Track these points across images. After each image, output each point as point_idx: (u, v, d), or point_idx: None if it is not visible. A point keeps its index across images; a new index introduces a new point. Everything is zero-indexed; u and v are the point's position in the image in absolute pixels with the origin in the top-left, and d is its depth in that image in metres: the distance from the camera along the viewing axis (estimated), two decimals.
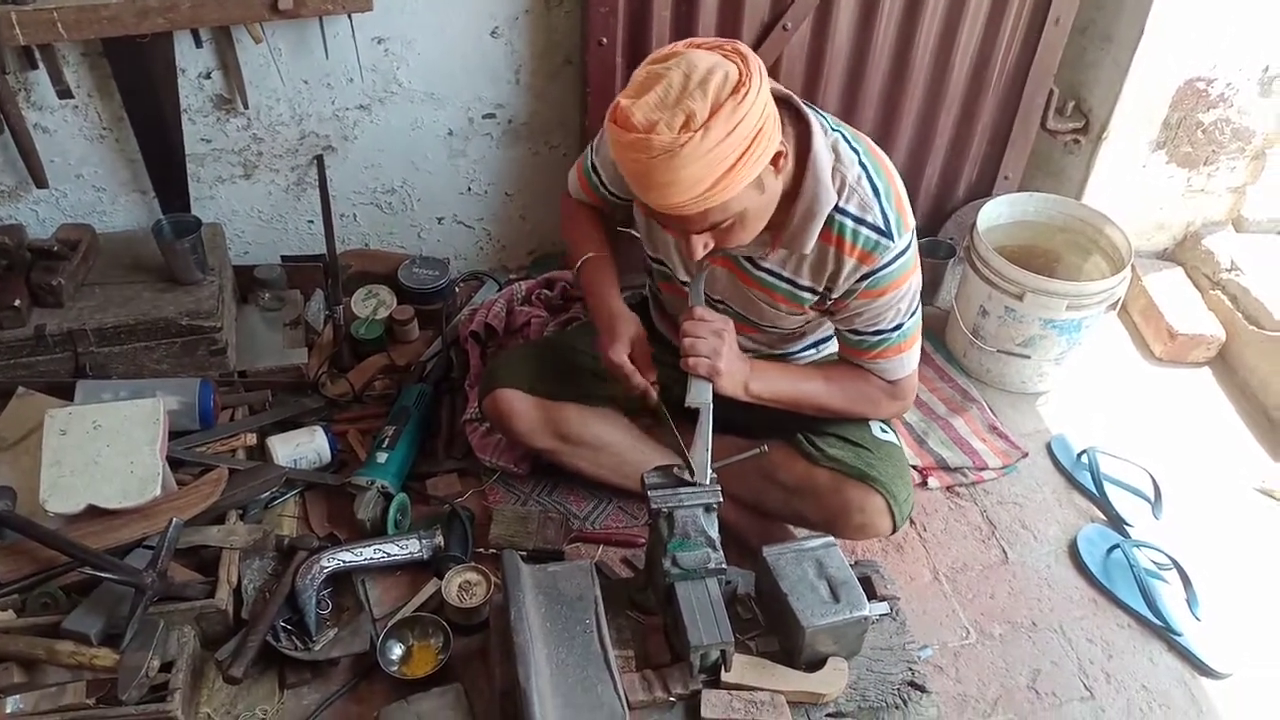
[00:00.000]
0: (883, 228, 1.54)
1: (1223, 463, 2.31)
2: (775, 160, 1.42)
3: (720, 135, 1.29)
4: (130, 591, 1.64)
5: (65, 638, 1.62)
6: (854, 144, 1.56)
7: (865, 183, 1.54)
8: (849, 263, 1.57)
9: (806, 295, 1.65)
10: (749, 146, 1.33)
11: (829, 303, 1.65)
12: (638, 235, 1.81)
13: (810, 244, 1.56)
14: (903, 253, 1.57)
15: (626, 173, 1.39)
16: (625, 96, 1.34)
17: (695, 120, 1.28)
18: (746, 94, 1.29)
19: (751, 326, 1.78)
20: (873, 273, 1.57)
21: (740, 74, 1.31)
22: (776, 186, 1.47)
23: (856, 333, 1.68)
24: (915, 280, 1.64)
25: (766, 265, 1.65)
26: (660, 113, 1.30)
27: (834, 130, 1.56)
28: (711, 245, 1.50)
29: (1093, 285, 2.25)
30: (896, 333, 1.66)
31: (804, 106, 1.52)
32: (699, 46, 1.37)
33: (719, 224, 1.44)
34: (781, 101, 1.51)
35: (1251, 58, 2.43)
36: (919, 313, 1.69)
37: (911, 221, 1.59)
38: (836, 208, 1.53)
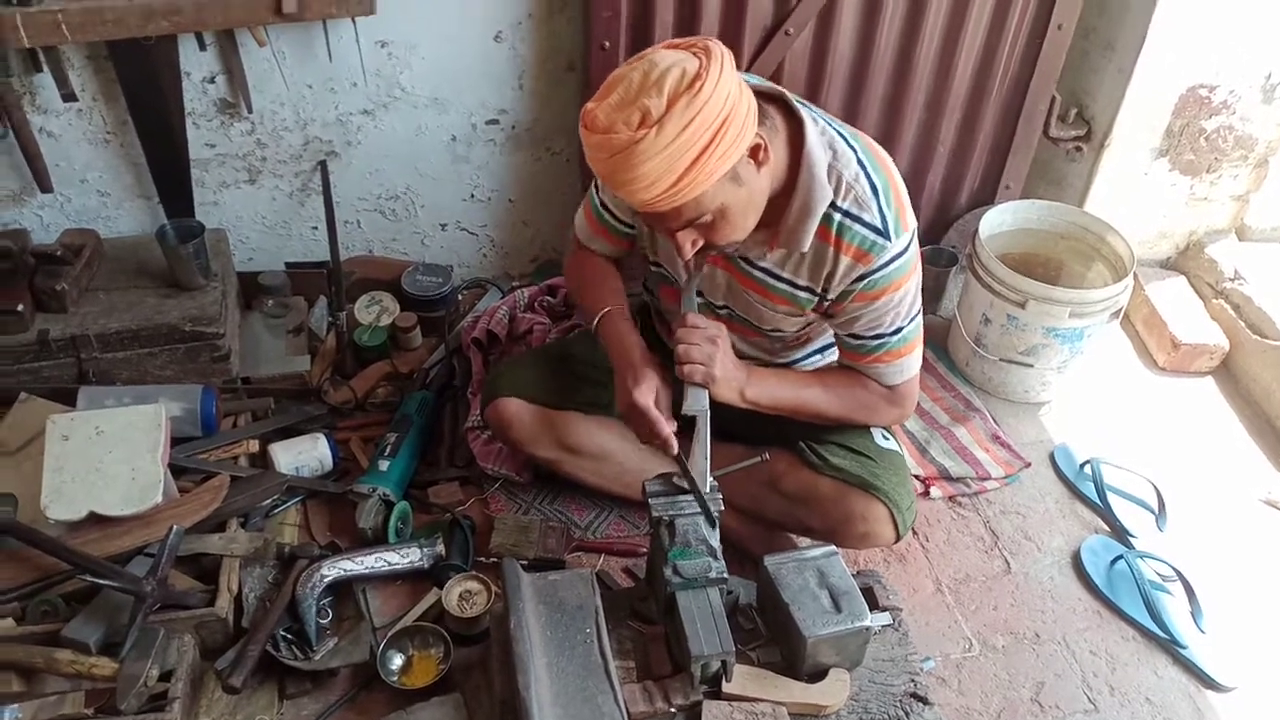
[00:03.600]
0: (879, 227, 1.53)
1: (1227, 473, 2.30)
2: (755, 154, 1.42)
3: (676, 129, 1.30)
4: (130, 600, 1.63)
5: (64, 646, 1.62)
6: (852, 141, 1.56)
7: (863, 180, 1.53)
8: (844, 261, 1.56)
9: (804, 296, 1.64)
10: (712, 139, 1.33)
11: (826, 304, 1.64)
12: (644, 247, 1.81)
13: (807, 242, 1.55)
14: (900, 254, 1.55)
15: (598, 173, 1.41)
16: (592, 100, 1.36)
17: (650, 116, 1.30)
18: (702, 87, 1.30)
19: (753, 331, 1.77)
20: (869, 274, 1.56)
21: (699, 67, 1.31)
22: (760, 181, 1.46)
23: (855, 336, 1.67)
24: (914, 284, 1.62)
25: (763, 265, 1.64)
26: (619, 112, 1.32)
27: (831, 128, 1.55)
28: (700, 243, 1.49)
29: (1095, 293, 2.24)
30: (895, 337, 1.65)
31: (797, 104, 1.52)
32: (673, 46, 1.38)
33: (696, 220, 1.44)
34: (772, 99, 1.51)
35: (1254, 65, 2.42)
36: (919, 318, 1.67)
37: (912, 222, 1.57)
38: (833, 205, 1.52)
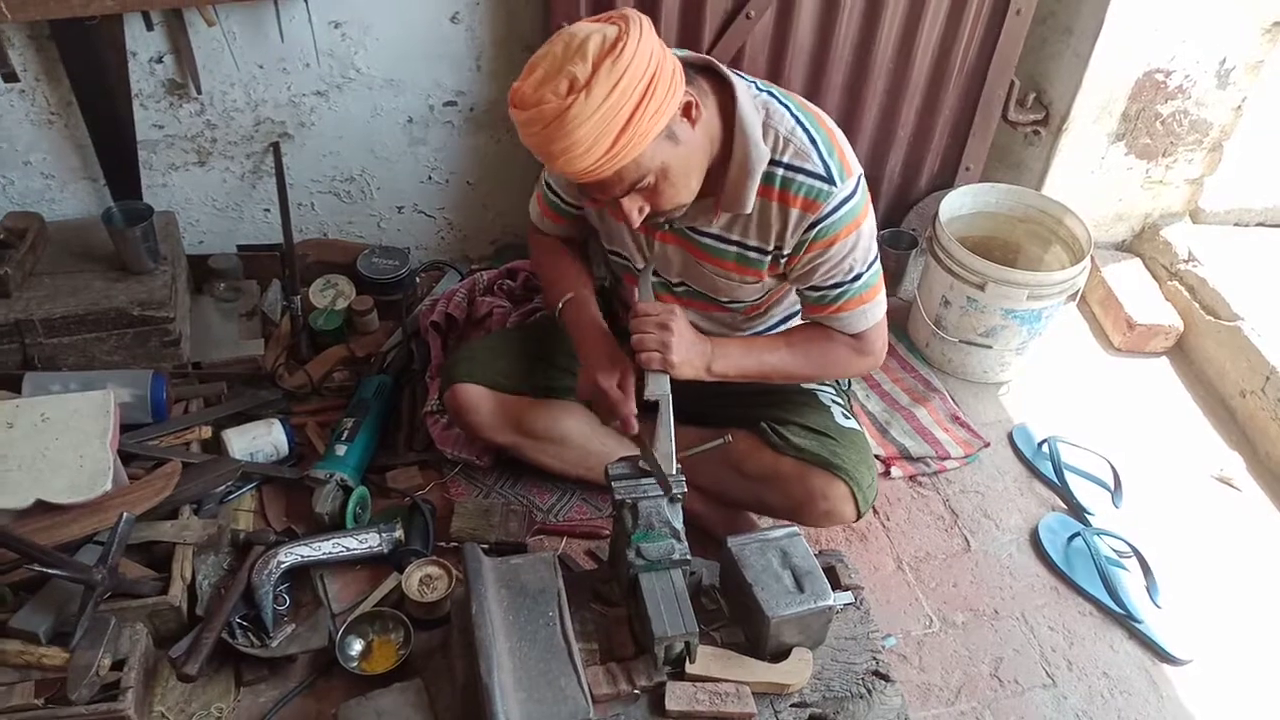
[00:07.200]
0: (823, 174, 1.54)
1: (1181, 451, 2.34)
2: (687, 111, 1.43)
3: (604, 91, 1.32)
4: (80, 589, 1.60)
5: (12, 636, 1.58)
6: (785, 101, 1.57)
7: (800, 133, 1.55)
8: (794, 214, 1.57)
9: (756, 256, 1.65)
10: (642, 98, 1.34)
11: (782, 261, 1.65)
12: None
13: (749, 203, 1.56)
14: (848, 198, 1.56)
15: (533, 151, 1.41)
16: (518, 80, 1.38)
17: (578, 82, 1.32)
18: (624, 48, 1.32)
19: (712, 305, 1.77)
20: (820, 220, 1.56)
21: (619, 31, 1.34)
22: (697, 139, 1.47)
23: (815, 289, 1.67)
24: (867, 229, 1.63)
25: (711, 231, 1.65)
26: (546, 84, 1.34)
27: (763, 91, 1.57)
28: (646, 209, 1.50)
29: (1053, 275, 2.26)
30: (857, 283, 1.65)
31: (727, 71, 1.53)
32: (591, 20, 1.40)
33: (639, 183, 1.44)
34: (701, 68, 1.53)
35: (1209, 50, 2.45)
36: (877, 264, 1.68)
37: (856, 169, 1.58)
38: (773, 161, 1.54)
